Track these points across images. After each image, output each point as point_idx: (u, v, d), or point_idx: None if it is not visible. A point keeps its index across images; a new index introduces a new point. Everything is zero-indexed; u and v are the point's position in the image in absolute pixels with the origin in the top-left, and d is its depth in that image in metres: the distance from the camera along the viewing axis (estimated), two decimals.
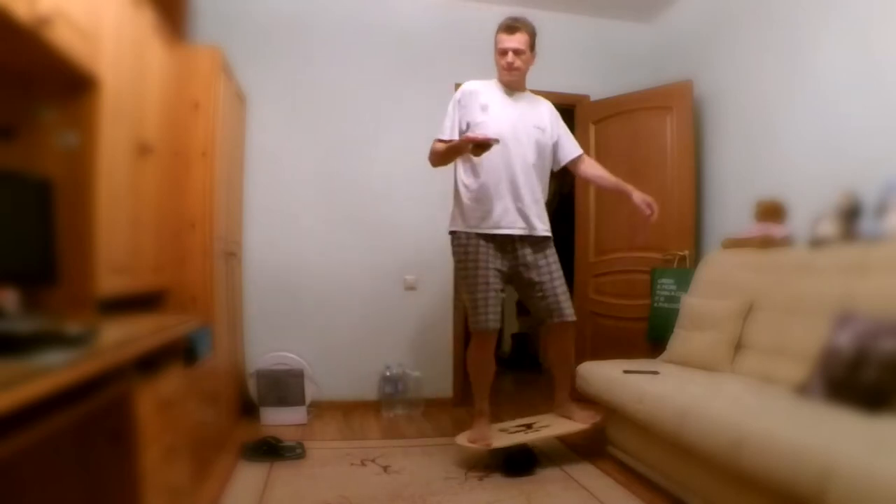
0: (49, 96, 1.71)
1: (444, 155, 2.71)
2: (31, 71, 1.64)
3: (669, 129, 3.71)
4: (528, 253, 2.75)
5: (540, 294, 2.77)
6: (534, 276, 2.76)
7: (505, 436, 2.75)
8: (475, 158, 2.63)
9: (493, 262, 2.70)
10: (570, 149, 2.91)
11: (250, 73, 3.49)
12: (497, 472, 2.59)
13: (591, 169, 2.98)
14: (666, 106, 3.73)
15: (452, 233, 2.80)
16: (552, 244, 2.84)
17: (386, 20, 3.91)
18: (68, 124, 1.73)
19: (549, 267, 2.78)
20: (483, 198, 2.69)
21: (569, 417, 2.88)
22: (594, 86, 4.14)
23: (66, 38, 1.51)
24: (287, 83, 3.75)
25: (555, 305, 2.77)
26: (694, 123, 3.65)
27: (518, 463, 2.60)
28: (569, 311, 2.79)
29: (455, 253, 2.79)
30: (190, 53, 2.71)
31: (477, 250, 2.69)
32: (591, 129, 4.09)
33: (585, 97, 4.14)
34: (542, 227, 2.78)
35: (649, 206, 2.76)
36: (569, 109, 4.14)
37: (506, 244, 2.73)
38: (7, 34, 1.34)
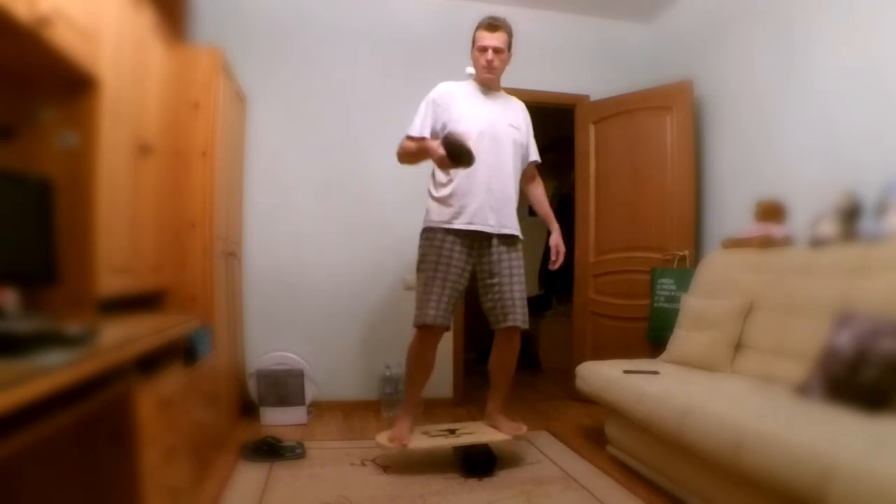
0: (49, 96, 1.72)
1: (415, 155, 2.68)
2: (31, 71, 1.65)
3: (669, 129, 3.71)
4: (494, 252, 2.71)
5: (498, 295, 2.71)
6: (495, 277, 2.71)
7: (425, 438, 2.70)
8: (446, 167, 2.57)
9: (457, 260, 2.66)
10: (531, 153, 2.90)
11: (250, 73, 3.50)
12: (499, 472, 2.58)
13: (538, 188, 3.03)
14: (666, 106, 3.73)
15: (424, 229, 2.75)
16: (520, 247, 2.81)
17: (386, 20, 3.91)
18: (68, 124, 1.73)
19: (510, 270, 2.73)
20: (457, 195, 2.66)
21: (496, 428, 2.82)
22: (594, 86, 4.13)
23: (66, 38, 1.52)
24: (287, 83, 3.75)
25: (510, 308, 2.70)
26: (694, 123, 3.65)
27: (477, 463, 2.58)
28: (521, 318, 2.72)
29: (421, 246, 2.73)
30: (190, 53, 2.72)
31: (442, 245, 2.65)
32: (591, 129, 4.09)
33: (585, 97, 4.13)
34: (513, 226, 2.75)
35: (557, 251, 2.87)
36: (569, 109, 4.15)
37: (475, 241, 2.69)
38: (7, 34, 1.34)
